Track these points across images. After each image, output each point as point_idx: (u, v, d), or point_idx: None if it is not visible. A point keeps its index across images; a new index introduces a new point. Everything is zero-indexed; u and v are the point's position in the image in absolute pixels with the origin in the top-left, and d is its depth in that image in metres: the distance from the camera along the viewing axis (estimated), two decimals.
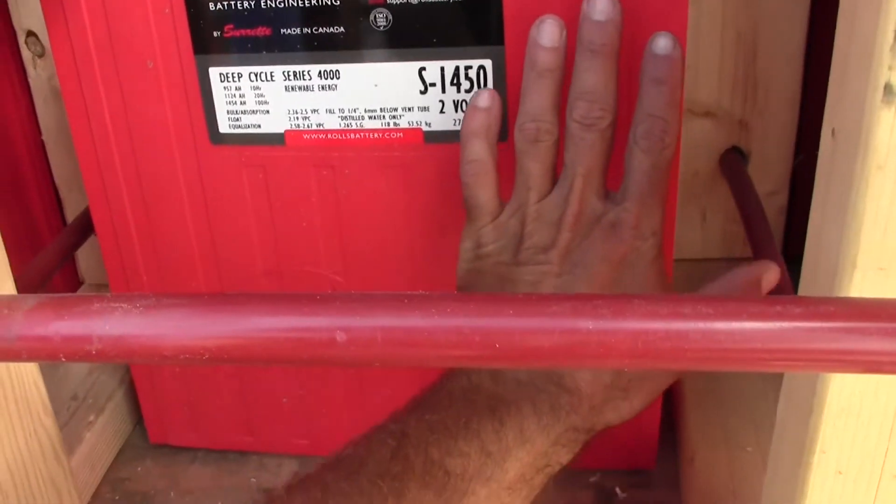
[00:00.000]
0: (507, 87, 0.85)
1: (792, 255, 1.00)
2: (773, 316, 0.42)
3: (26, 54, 1.24)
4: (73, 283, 1.40)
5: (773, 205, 1.24)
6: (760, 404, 1.04)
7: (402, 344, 0.43)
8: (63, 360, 0.45)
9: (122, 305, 0.44)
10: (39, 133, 1.29)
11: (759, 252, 1.01)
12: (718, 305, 0.42)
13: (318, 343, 0.43)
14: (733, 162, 1.21)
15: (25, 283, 1.02)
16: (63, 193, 1.33)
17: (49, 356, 0.45)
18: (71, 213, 1.34)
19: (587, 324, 0.42)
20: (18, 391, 0.79)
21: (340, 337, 0.42)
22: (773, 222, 1.17)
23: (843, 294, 0.51)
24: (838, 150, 0.52)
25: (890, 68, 0.46)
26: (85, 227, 1.11)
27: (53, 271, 1.09)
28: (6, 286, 0.77)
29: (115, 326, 0.44)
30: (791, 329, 0.41)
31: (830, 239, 0.52)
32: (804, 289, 0.59)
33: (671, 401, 1.11)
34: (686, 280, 1.22)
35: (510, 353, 0.42)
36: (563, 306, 0.42)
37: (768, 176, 1.23)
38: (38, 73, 1.25)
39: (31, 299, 0.46)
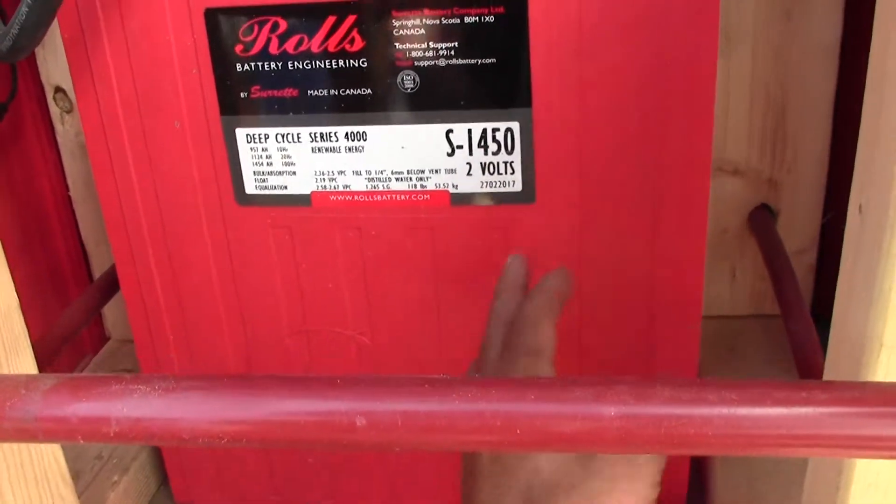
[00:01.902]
0: (534, 149, 0.84)
1: (821, 314, 0.99)
2: (798, 401, 0.41)
3: (54, 110, 1.25)
4: (99, 338, 1.40)
5: (803, 263, 1.23)
6: (789, 468, 1.02)
7: (423, 429, 0.42)
8: (81, 441, 0.44)
9: (141, 387, 0.44)
10: (67, 188, 1.29)
11: (787, 310, 1.00)
12: (743, 391, 0.41)
13: (338, 427, 0.42)
14: (762, 219, 1.20)
15: (51, 340, 1.02)
16: (90, 249, 1.34)
17: (67, 437, 0.45)
18: (98, 269, 1.34)
19: (609, 409, 0.41)
20: (37, 462, 0.78)
21: (360, 422, 0.42)
22: (803, 280, 1.17)
23: (869, 373, 0.50)
24: (866, 227, 0.51)
25: None
26: (111, 283, 1.11)
27: (79, 328, 1.09)
28: (24, 359, 0.76)
29: (134, 409, 0.43)
30: (817, 415, 0.41)
31: (857, 316, 0.52)
32: (830, 366, 0.58)
33: (699, 462, 1.10)
34: (716, 337, 1.21)
35: (532, 439, 0.42)
36: (585, 391, 0.42)
37: (797, 234, 1.22)
38: (66, 129, 1.25)
39: (50, 379, 0.46)
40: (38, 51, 1.21)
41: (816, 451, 0.43)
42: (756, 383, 0.42)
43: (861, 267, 0.52)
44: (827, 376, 0.58)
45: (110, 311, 1.37)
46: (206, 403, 0.43)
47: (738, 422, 0.41)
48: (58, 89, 1.23)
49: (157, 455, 1.18)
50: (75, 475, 1.08)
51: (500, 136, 0.85)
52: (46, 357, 0.99)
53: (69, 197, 1.31)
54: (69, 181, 1.29)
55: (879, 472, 0.53)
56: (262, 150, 0.89)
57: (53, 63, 1.21)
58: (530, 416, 0.42)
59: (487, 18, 0.81)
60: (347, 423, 0.42)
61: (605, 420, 0.41)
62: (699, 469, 1.09)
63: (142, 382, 0.44)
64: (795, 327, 0.97)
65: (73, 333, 1.07)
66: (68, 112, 1.24)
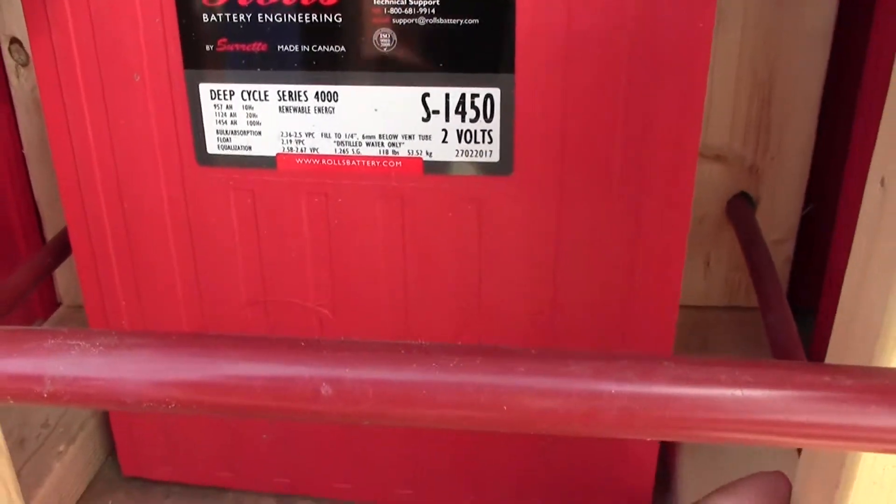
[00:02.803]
0: (514, 118, 0.80)
1: (797, 307, 0.96)
2: (821, 386, 0.37)
3: (9, 62, 1.20)
4: (51, 303, 1.36)
5: (780, 253, 1.20)
6: (760, 456, 0.99)
7: (396, 402, 0.37)
8: (11, 402, 0.40)
9: (80, 343, 0.39)
10: (21, 146, 1.25)
11: (765, 302, 0.97)
12: (758, 372, 0.37)
13: (300, 396, 0.38)
14: (741, 208, 1.17)
15: None
16: (43, 210, 1.29)
17: None
18: (51, 231, 1.30)
19: (609, 387, 0.37)
20: None
21: (326, 390, 0.37)
22: (780, 271, 1.13)
23: (885, 362, 0.46)
24: (888, 202, 0.47)
25: None
26: (63, 246, 1.06)
27: (27, 291, 1.05)
28: None
29: (71, 367, 0.39)
30: (842, 401, 0.37)
31: (871, 303, 0.47)
32: (833, 355, 0.54)
33: (665, 452, 1.07)
34: (688, 328, 1.19)
35: (519, 417, 0.37)
36: (582, 366, 0.37)
37: (777, 223, 1.19)
38: (21, 83, 1.20)
39: None
40: None
41: (841, 443, 0.38)
42: (772, 364, 0.38)
43: (880, 248, 0.47)
44: None
45: (62, 276, 1.33)
46: (152, 363, 0.39)
47: (754, 406, 0.36)
48: (13, 40, 1.18)
49: (106, 425, 1.14)
50: (20, 442, 1.05)
51: (479, 102, 0.81)
52: None
53: (23, 155, 1.26)
54: (23, 139, 1.24)
55: (886, 467, 0.49)
56: (227, 107, 0.85)
57: (9, 12, 1.16)
58: (519, 391, 0.37)
59: None
60: (311, 391, 0.37)
61: (604, 399, 0.37)
62: (666, 460, 1.06)
63: (81, 338, 0.39)
64: (773, 320, 0.94)
65: (21, 296, 1.03)
66: (24, 65, 1.19)
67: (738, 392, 0.37)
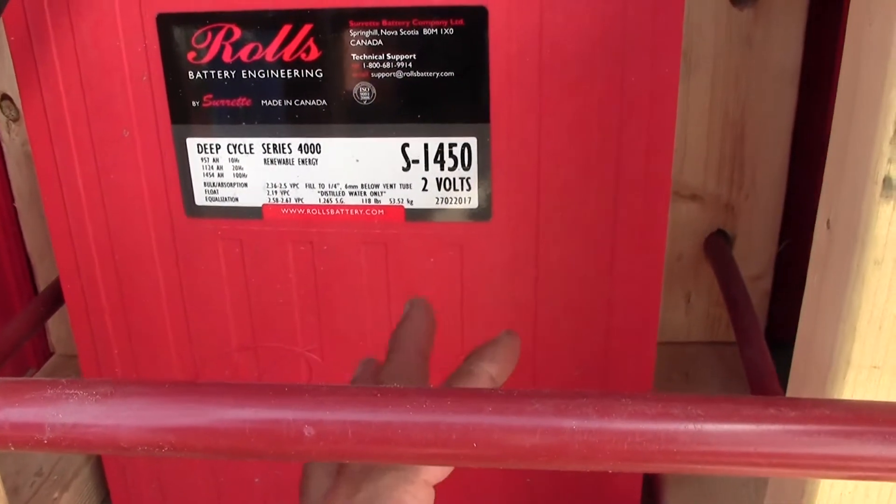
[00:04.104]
0: (491, 165, 0.83)
1: (776, 341, 0.98)
2: (766, 418, 0.39)
3: (0, 118, 1.22)
4: (43, 353, 1.37)
5: (758, 289, 1.23)
6: (742, 491, 1.01)
7: (374, 441, 0.40)
8: (12, 449, 0.42)
9: (78, 392, 0.41)
10: (12, 199, 1.27)
11: (743, 337, 0.99)
12: (709, 406, 0.40)
13: (285, 438, 0.40)
14: (718, 245, 1.19)
15: None
16: (35, 261, 1.31)
17: None
18: (43, 282, 1.31)
19: (571, 423, 0.39)
20: None
21: (308, 432, 0.40)
22: (758, 307, 1.16)
23: (835, 392, 0.49)
24: (834, 243, 0.50)
25: (890, 161, 0.44)
26: (56, 296, 1.08)
27: (22, 342, 1.06)
28: None
29: (69, 415, 0.41)
30: (786, 432, 0.39)
31: (824, 334, 0.50)
32: (794, 384, 0.57)
33: (651, 485, 1.09)
34: (670, 363, 1.20)
35: (489, 453, 0.40)
36: (545, 404, 0.40)
37: (753, 260, 1.21)
38: (12, 138, 1.23)
39: None
40: None
41: (785, 470, 0.41)
42: (723, 399, 0.40)
43: (828, 284, 0.50)
44: (790, 396, 0.56)
45: (55, 326, 1.34)
46: (145, 410, 0.41)
47: (705, 438, 0.39)
48: (4, 96, 1.20)
49: (100, 471, 1.15)
50: (14, 491, 1.06)
51: (456, 151, 0.83)
52: None
53: (14, 208, 1.28)
54: (14, 192, 1.26)
55: (843, 493, 0.52)
56: (214, 160, 0.87)
57: (0, 70, 1.19)
58: (487, 429, 0.40)
59: (447, 31, 0.80)
60: (295, 433, 0.40)
61: (565, 434, 0.39)
62: (651, 491, 1.08)
63: (79, 387, 0.42)
64: (751, 354, 0.96)
65: (15, 347, 1.05)
66: (14, 120, 1.21)
67: (690, 426, 0.39)
